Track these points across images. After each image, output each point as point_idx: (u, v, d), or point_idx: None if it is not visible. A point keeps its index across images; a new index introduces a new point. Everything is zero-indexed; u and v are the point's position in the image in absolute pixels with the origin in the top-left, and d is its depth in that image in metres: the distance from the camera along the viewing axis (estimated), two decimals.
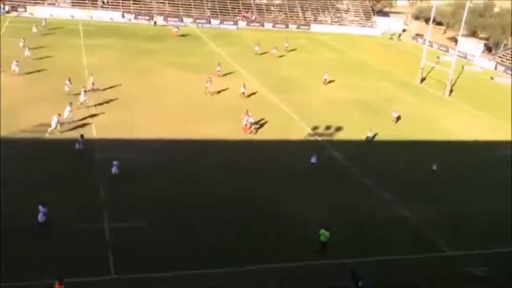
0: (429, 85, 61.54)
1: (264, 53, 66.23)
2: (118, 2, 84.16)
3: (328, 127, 42.54)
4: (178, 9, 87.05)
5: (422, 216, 30.08)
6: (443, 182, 34.89)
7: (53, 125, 34.86)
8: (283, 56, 66.92)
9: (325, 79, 55.89)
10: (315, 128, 42.23)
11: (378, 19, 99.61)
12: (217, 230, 26.56)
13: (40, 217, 24.25)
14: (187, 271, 23.15)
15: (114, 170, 30.25)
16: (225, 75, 54.20)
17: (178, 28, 75.30)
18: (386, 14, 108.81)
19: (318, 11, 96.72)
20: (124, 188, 29.12)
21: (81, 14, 79.48)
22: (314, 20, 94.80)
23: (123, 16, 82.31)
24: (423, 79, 63.26)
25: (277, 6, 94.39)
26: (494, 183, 35.51)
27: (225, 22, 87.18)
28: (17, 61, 46.93)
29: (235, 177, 32.31)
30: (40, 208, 24.33)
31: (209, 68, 55.58)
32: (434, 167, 36.16)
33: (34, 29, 63.39)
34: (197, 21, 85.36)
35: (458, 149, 41.42)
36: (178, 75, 52.86)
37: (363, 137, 41.00)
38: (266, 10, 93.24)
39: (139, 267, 22.96)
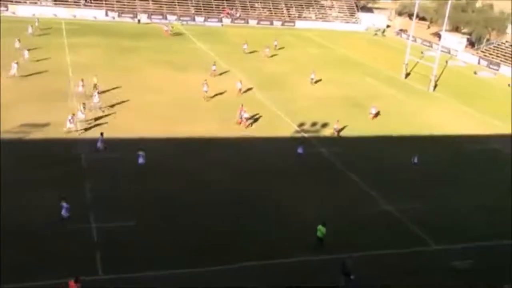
0: (413, 80, 62.15)
1: (253, 51, 66.03)
2: (101, 0, 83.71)
3: (314, 124, 42.88)
4: (161, 7, 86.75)
5: (405, 210, 30.48)
6: (426, 176, 35.38)
7: (68, 124, 35.19)
8: (274, 55, 66.56)
9: (312, 79, 54.88)
10: (301, 124, 42.55)
11: (362, 15, 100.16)
12: (212, 228, 26.76)
13: (64, 213, 25.11)
14: (183, 269, 23.36)
15: (140, 160, 31.32)
16: (221, 74, 54.25)
17: (172, 27, 75.03)
18: (370, 10, 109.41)
19: (303, 7, 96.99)
20: (112, 187, 29.21)
21: (64, 12, 78.78)
22: (298, 17, 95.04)
23: (106, 14, 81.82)
24: (407, 74, 63.85)
25: (261, 3, 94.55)
26: (478, 177, 36.12)
27: (209, 20, 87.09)
28: (17, 63, 46.29)
29: (226, 174, 32.58)
30: (64, 204, 25.16)
31: (197, 67, 55.67)
32: (416, 160, 36.64)
33: (30, 30, 62.83)
34: (181, 18, 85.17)
35: (441, 143, 42.00)
36: (165, 74, 52.82)
37: (350, 133, 41.42)
38: (251, 7, 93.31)
39: (128, 266, 23.08)
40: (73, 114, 36.20)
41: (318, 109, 46.71)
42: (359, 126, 43.78)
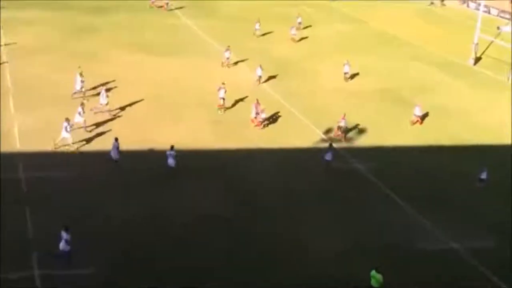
0: (486, 66, 62.18)
1: (266, 34, 65.99)
2: None
3: (345, 130, 42.97)
4: None
5: (475, 251, 30.37)
6: (499, 199, 35.40)
7: (64, 133, 36.10)
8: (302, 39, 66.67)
9: (346, 73, 53.41)
10: (328, 131, 42.79)
11: None
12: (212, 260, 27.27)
13: (62, 245, 26.13)
14: None
15: (170, 162, 33.16)
16: (236, 63, 54.77)
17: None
18: None
19: None
20: (50, 209, 29.54)
21: None
22: None
23: None
24: (477, 59, 63.87)
25: None
26: None
27: None
28: None
29: (231, 192, 33.36)
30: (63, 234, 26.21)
31: (183, 51, 55.93)
32: (483, 176, 36.75)
33: None
34: None
35: None
36: (138, 60, 53.26)
37: (392, 142, 41.63)
38: None
39: None
40: (68, 119, 36.57)
41: (347, 107, 46.68)
42: (405, 130, 43.92)
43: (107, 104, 41.58)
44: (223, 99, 44.25)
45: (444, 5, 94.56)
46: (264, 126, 42.53)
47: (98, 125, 40.02)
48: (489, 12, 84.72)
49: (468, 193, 35.87)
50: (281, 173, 36.41)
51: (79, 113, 38.55)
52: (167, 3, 74.51)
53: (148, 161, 35.88)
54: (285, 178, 35.86)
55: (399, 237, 31.12)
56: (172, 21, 69.04)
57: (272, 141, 40.50)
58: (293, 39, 64.79)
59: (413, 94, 51.46)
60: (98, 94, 42.47)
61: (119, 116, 41.86)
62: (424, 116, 46.46)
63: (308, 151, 39.75)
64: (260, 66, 50.59)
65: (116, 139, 34.98)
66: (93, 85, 45.69)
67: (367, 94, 50.78)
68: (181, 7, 74.78)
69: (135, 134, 39.00)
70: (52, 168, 33.93)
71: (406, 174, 37.67)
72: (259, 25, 65.58)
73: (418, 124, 45.44)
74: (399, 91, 52.27)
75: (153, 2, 74.23)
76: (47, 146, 36.18)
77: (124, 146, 35.49)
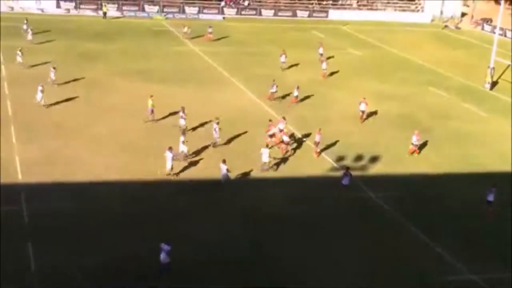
0: (502, 90, 62.11)
1: (292, 66, 64.65)
2: None
3: (359, 157, 42.88)
4: None
5: (492, 279, 30.18)
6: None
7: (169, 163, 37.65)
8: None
9: (363, 112, 50.26)
10: (340, 159, 42.57)
11: (426, 0, 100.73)
12: None
13: (163, 257, 28.01)
14: None
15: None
16: (283, 97, 53.98)
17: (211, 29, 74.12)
18: None
19: None
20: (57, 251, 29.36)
21: None
22: (333, 4, 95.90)
23: (58, 6, 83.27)
24: (494, 83, 63.74)
25: None
26: None
27: (205, 11, 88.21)
28: (42, 86, 47.36)
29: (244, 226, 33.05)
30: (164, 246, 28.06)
31: (188, 78, 55.97)
32: (491, 198, 36.49)
33: (30, 36, 64.58)
34: (165, 9, 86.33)
35: None
36: (140, 89, 53.12)
37: (409, 169, 41.37)
38: None
39: None
40: (171, 148, 37.55)
41: (362, 134, 46.60)
42: (422, 157, 43.76)
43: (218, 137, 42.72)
44: (285, 145, 43.05)
45: (458, 28, 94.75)
46: (286, 152, 42.62)
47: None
48: (505, 35, 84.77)
49: (486, 221, 35.61)
50: (293, 204, 36.03)
51: (182, 142, 39.72)
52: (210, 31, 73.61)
53: (153, 192, 35.79)
54: (297, 209, 35.45)
55: (417, 268, 30.85)
56: (179, 48, 69.31)
57: (285, 170, 40.39)
58: (323, 75, 62.27)
59: (429, 119, 51.52)
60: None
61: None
62: (422, 145, 45.76)
63: (320, 180, 39.59)
64: (297, 87, 52.91)
65: (348, 169, 37.62)
66: (87, 114, 45.80)
67: (383, 120, 50.64)
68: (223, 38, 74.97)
69: (137, 164, 39.15)
70: (55, 200, 33.84)
71: (423, 203, 37.40)
72: (285, 58, 63.19)
73: (411, 153, 44.73)
74: (416, 117, 52.13)
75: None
76: (48, 177, 36.21)
77: (127, 176, 35.37)
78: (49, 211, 32.54)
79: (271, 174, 39.74)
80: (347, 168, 38.42)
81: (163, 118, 46.79)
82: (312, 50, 68.94)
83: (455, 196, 38.55)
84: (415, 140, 44.54)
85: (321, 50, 67.25)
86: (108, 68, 58.79)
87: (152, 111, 45.52)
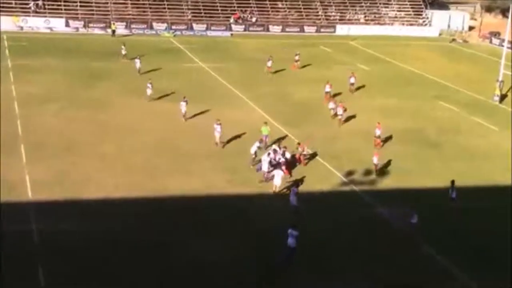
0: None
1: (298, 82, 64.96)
2: (60, 5, 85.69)
3: (367, 172, 42.87)
4: (145, 12, 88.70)
5: None
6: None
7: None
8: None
9: (378, 137, 48.13)
10: (349, 173, 42.60)
11: (433, 14, 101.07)
12: None
13: (291, 242, 30.23)
14: None
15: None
16: (347, 120, 53.55)
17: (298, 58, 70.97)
18: (444, 5, 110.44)
19: (346, 6, 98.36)
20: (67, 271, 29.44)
21: (7, 22, 79.93)
22: (340, 20, 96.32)
23: (67, 24, 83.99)
24: (503, 97, 63.71)
25: (286, 1, 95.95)
26: None
27: (213, 28, 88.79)
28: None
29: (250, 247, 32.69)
30: (292, 232, 30.25)
31: (199, 96, 56.14)
32: (453, 195, 37.44)
33: (139, 65, 63.95)
34: (173, 27, 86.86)
35: None
36: (147, 108, 53.55)
37: (418, 184, 41.32)
38: (272, 8, 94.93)
39: None
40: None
41: (370, 150, 46.52)
42: (431, 172, 43.61)
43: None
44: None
45: (466, 42, 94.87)
46: (305, 163, 43.75)
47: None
48: None
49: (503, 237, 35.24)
50: (303, 222, 35.75)
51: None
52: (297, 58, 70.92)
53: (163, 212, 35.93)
54: (307, 229, 35.12)
55: None
56: (187, 64, 69.80)
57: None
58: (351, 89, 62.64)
59: (438, 134, 51.53)
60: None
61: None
62: (431, 160, 45.98)
63: (329, 196, 39.56)
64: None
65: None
66: (97, 133, 46.23)
67: (390, 135, 50.45)
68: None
69: (142, 182, 39.29)
70: (66, 219, 33.90)
71: (433, 220, 36.77)
72: (330, 88, 59.30)
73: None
74: (424, 131, 52.15)
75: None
76: (58, 196, 36.37)
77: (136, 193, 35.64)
78: (58, 230, 32.60)
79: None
80: (297, 184, 38.74)
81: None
82: (321, 66, 69.31)
83: (467, 211, 37.97)
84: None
85: (352, 80, 63.11)
86: (115, 86, 59.16)
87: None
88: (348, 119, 53.79)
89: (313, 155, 44.86)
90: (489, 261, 32.92)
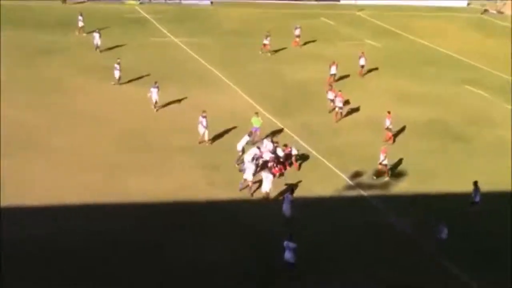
0: None
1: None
2: None
3: (378, 173, 43.00)
4: None
5: None
6: None
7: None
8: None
9: (389, 128, 48.31)
10: (355, 175, 42.75)
11: None
12: None
13: (288, 256, 30.96)
14: None
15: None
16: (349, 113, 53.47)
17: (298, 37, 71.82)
18: None
19: None
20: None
21: None
22: None
23: None
24: None
25: None
26: None
27: None
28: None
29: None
30: (289, 244, 30.96)
31: (169, 76, 56.07)
32: (476, 199, 37.83)
33: (98, 41, 63.79)
34: None
35: None
36: (108, 91, 53.47)
37: (441, 188, 41.47)
38: None
39: None
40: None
41: (379, 145, 46.52)
42: (457, 173, 43.67)
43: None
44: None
45: (501, 13, 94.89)
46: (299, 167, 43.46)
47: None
48: None
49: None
50: (303, 227, 35.82)
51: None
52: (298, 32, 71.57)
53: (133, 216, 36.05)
54: (309, 234, 35.38)
55: None
56: (155, 38, 69.78)
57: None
58: (360, 73, 62.94)
59: (466, 125, 51.75)
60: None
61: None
62: (456, 159, 46.20)
63: (333, 199, 39.81)
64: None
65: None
66: (44, 122, 46.06)
67: (408, 127, 50.73)
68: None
69: (96, 183, 39.20)
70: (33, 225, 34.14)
71: (458, 229, 36.55)
72: (336, 68, 60.01)
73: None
74: (449, 123, 52.39)
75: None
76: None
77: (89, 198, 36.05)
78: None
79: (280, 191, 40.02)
80: (292, 190, 38.33)
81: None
82: (321, 42, 69.48)
83: (499, 221, 38.33)
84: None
85: (362, 61, 63.10)
86: (70, 64, 58.87)
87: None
88: (353, 107, 53.97)
89: (304, 156, 44.84)
90: (489, 261, 33.93)
